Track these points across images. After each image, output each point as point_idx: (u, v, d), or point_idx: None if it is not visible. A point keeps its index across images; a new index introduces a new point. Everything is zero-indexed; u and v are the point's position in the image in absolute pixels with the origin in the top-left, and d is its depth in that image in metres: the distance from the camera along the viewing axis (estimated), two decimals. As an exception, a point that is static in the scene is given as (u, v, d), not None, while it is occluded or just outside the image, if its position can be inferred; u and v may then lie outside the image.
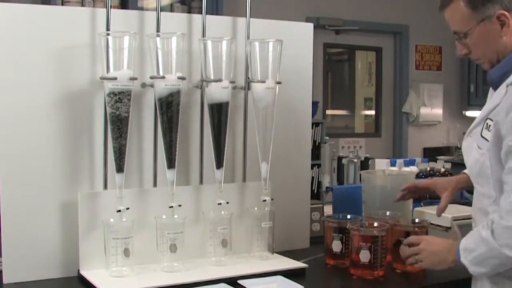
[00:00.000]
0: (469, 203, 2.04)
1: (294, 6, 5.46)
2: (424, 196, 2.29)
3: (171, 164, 1.91)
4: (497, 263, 1.63)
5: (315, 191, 3.58)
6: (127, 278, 1.84)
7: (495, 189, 1.66)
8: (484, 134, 1.68)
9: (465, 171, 2.03)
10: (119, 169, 1.86)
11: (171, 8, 4.76)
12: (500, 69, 1.70)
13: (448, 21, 1.73)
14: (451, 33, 1.74)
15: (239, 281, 1.86)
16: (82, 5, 4.37)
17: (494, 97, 1.71)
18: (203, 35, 2.04)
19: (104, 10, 1.91)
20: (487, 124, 1.68)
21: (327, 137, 4.96)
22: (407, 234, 2.00)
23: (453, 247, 1.73)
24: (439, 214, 2.08)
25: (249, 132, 2.13)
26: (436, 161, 3.22)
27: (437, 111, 6.38)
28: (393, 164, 3.08)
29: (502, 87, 1.68)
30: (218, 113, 1.96)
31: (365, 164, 5.05)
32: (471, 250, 1.67)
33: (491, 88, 1.78)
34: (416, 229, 2.04)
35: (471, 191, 1.91)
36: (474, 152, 1.71)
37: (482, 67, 1.76)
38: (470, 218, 1.88)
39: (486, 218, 1.68)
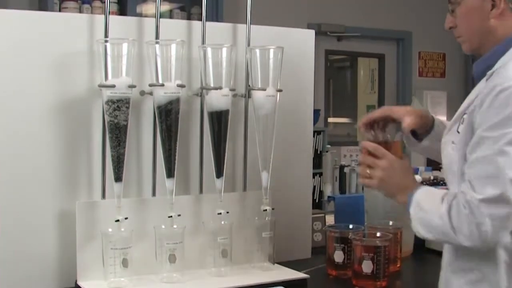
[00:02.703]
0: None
1: (295, 12, 5.47)
2: (385, 125, 1.92)
3: (170, 173, 1.92)
4: (443, 238, 1.57)
5: (317, 201, 3.57)
6: (126, 289, 1.85)
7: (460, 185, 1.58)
8: (460, 129, 1.61)
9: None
10: (118, 178, 1.86)
11: (170, 15, 4.78)
12: (484, 62, 1.64)
13: None
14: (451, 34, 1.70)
15: (240, 292, 1.86)
16: (80, 11, 4.40)
17: (472, 92, 1.66)
18: (203, 42, 2.05)
19: (102, 16, 1.91)
20: (463, 119, 1.61)
21: (329, 146, 4.95)
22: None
23: (409, 189, 1.63)
24: (406, 132, 1.81)
25: (250, 140, 2.13)
26: (440, 170, 3.21)
27: (441, 119, 6.38)
28: (396, 173, 3.07)
29: (482, 81, 1.63)
30: (218, 121, 1.97)
31: (367, 173, 5.03)
32: (423, 210, 1.58)
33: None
34: (388, 143, 1.78)
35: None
36: (449, 147, 1.64)
37: (462, 48, 1.69)
38: None
39: None
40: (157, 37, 1.97)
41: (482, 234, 1.46)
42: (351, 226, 2.18)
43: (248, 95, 2.12)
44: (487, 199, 1.45)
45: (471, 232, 1.47)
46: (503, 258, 1.53)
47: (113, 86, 1.81)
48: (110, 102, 1.82)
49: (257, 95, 2.02)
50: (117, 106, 1.82)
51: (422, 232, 1.59)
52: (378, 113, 1.83)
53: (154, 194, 2.01)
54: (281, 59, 2.02)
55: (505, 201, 1.45)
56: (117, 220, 1.84)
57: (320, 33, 5.51)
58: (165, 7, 4.78)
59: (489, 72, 1.59)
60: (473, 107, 1.56)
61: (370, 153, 1.70)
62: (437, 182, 3.01)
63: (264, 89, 2.00)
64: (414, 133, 1.87)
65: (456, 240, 1.51)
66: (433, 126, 1.86)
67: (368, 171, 1.69)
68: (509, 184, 1.44)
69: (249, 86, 2.10)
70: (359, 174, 1.73)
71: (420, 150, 1.94)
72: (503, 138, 1.45)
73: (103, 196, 1.93)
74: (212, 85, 1.95)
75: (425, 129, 1.84)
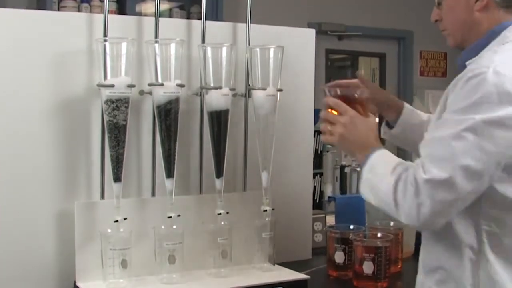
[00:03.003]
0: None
1: (295, 11, 5.47)
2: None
3: (170, 173, 1.92)
4: (384, 208, 1.54)
5: (317, 201, 3.57)
6: (125, 290, 1.85)
7: None
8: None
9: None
10: (117, 178, 1.86)
11: (169, 14, 4.78)
12: (466, 55, 1.61)
13: None
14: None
15: (240, 293, 1.86)
16: (79, 10, 4.40)
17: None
18: (203, 41, 2.05)
19: (101, 15, 1.91)
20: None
21: (330, 146, 4.95)
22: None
23: (367, 150, 1.60)
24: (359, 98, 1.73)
25: (250, 140, 2.13)
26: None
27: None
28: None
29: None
30: (218, 121, 1.97)
31: (368, 173, 5.04)
32: (374, 174, 1.56)
33: None
34: (352, 100, 1.70)
35: None
36: None
37: (447, 42, 1.67)
38: None
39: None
40: (156, 36, 1.97)
41: (420, 215, 1.43)
42: (351, 227, 2.18)
43: (248, 94, 2.12)
44: (433, 180, 1.42)
45: (410, 210, 1.45)
46: (468, 255, 1.51)
47: (112, 85, 1.81)
48: (109, 101, 1.82)
49: (257, 94, 2.02)
50: (116, 106, 1.82)
51: (367, 195, 1.59)
52: (345, 81, 1.83)
53: (153, 194, 2.01)
54: (282, 58, 2.02)
55: (451, 187, 1.41)
56: (116, 221, 1.84)
57: (321, 32, 5.51)
58: (165, 6, 4.78)
59: (467, 62, 1.57)
60: (447, 92, 1.54)
61: (333, 109, 1.67)
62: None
63: (264, 89, 2.00)
64: (386, 122, 1.90)
65: (395, 213, 1.49)
66: (401, 113, 1.87)
67: (329, 127, 1.66)
68: (458, 170, 1.41)
69: (249, 85, 2.10)
70: (321, 128, 1.69)
71: (392, 138, 1.94)
72: (464, 123, 1.42)
73: (102, 196, 1.93)
74: (212, 84, 1.95)
75: (392, 114, 1.84)
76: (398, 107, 1.92)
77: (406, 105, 1.95)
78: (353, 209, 2.51)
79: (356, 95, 1.69)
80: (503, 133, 1.41)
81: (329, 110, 1.66)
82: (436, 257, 1.58)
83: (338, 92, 1.70)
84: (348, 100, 1.67)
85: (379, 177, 1.54)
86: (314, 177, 3.48)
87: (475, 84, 1.43)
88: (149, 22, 2.01)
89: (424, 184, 1.42)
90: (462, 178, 1.41)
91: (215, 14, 4.62)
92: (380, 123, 1.96)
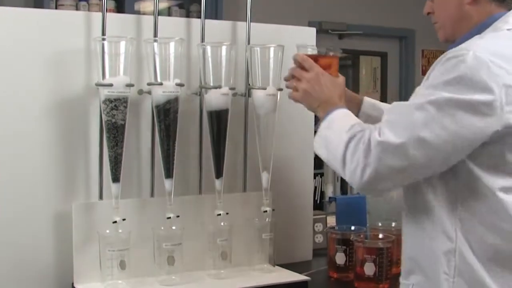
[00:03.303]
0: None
1: (295, 10, 5.47)
2: None
3: (169, 174, 1.91)
4: (332, 163, 1.55)
5: (318, 201, 3.56)
6: (123, 292, 1.84)
7: None
8: None
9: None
10: (115, 178, 1.86)
11: (168, 12, 4.77)
12: (455, 46, 1.57)
13: None
14: None
15: (239, 295, 1.86)
16: (77, 8, 4.39)
17: None
18: (202, 40, 2.05)
19: (100, 14, 1.91)
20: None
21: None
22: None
23: (329, 107, 1.62)
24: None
25: (250, 140, 2.13)
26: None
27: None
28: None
29: None
30: (218, 120, 1.96)
31: (369, 173, 5.04)
32: (330, 128, 1.58)
33: None
34: (320, 57, 1.76)
35: None
36: None
37: (438, 35, 1.68)
38: None
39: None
40: (155, 35, 1.97)
41: (364, 175, 1.44)
42: (353, 228, 2.17)
43: (248, 94, 2.12)
44: (385, 143, 1.42)
45: (355, 168, 1.45)
46: (443, 244, 1.50)
47: (111, 85, 1.81)
48: (108, 101, 1.82)
49: (257, 94, 2.02)
50: (115, 106, 1.82)
51: (319, 150, 1.60)
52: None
53: (152, 195, 2.01)
54: (282, 57, 2.01)
55: (402, 154, 1.41)
56: (115, 222, 1.84)
57: (321, 31, 5.51)
58: (164, 4, 4.78)
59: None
60: (429, 70, 1.54)
61: (300, 66, 1.70)
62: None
63: (265, 88, 2.00)
64: None
65: (341, 170, 1.50)
66: (361, 106, 1.89)
67: (295, 83, 1.69)
68: (413, 139, 1.41)
69: (249, 85, 2.10)
70: (287, 84, 1.73)
71: None
72: (430, 97, 1.42)
73: (101, 197, 1.93)
74: (211, 84, 1.95)
75: (353, 109, 1.81)
76: (358, 101, 1.92)
77: (367, 98, 1.95)
78: (354, 209, 2.51)
79: (326, 54, 1.72)
80: (467, 117, 1.40)
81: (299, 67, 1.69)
82: (409, 264, 1.60)
83: (309, 50, 1.70)
84: (318, 59, 1.71)
85: (335, 133, 1.55)
86: (314, 178, 3.48)
87: (453, 64, 1.43)
88: (148, 20, 2.00)
89: (376, 145, 1.43)
90: (415, 148, 1.41)
91: (214, 13, 4.62)
92: None
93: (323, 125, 1.60)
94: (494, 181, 1.45)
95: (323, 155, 1.59)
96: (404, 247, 1.64)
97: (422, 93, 1.47)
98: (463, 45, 1.48)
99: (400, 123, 1.44)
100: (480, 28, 1.57)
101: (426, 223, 1.53)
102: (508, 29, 1.53)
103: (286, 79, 1.79)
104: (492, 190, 1.45)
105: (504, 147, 1.44)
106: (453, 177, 1.48)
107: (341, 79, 1.73)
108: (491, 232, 1.46)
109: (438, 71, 1.46)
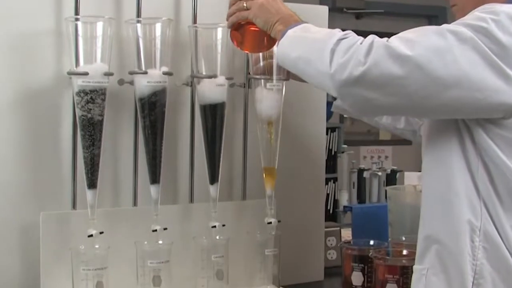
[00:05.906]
0: None
1: (305, -15, 5.48)
2: None
3: (154, 179, 1.92)
4: (310, 57, 1.58)
5: (331, 211, 3.59)
6: (101, 318, 1.85)
7: None
8: None
9: None
10: (91, 184, 1.86)
11: (155, -12, 4.78)
12: None
13: None
14: None
15: (238, 322, 1.87)
16: (47, -17, 4.39)
17: None
18: (194, 21, 2.05)
19: (73, -10, 1.92)
20: None
21: (345, 145, 4.96)
22: None
23: (292, 20, 1.73)
24: None
25: (250, 139, 2.14)
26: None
27: None
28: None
29: None
30: (212, 116, 1.97)
31: (391, 178, 5.06)
32: (308, 31, 1.66)
33: None
34: None
35: None
36: None
37: (455, 18, 1.72)
38: None
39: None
40: (138, 15, 1.97)
41: (354, 70, 1.47)
42: (372, 242, 2.18)
43: (248, 85, 2.12)
44: (392, 48, 1.47)
45: (346, 62, 1.48)
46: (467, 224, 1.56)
47: (86, 73, 1.81)
48: (82, 93, 1.82)
49: (259, 85, 2.02)
50: (91, 98, 1.82)
51: (287, 47, 1.65)
52: None
53: (135, 203, 2.01)
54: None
55: (404, 64, 1.46)
56: (91, 235, 1.84)
57: (335, 10, 5.52)
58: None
59: None
60: None
61: None
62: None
63: (268, 78, 2.00)
64: None
65: (321, 64, 1.53)
66: None
67: (245, 4, 1.79)
68: (419, 58, 1.46)
69: (249, 74, 2.11)
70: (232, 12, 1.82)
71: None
72: (454, 27, 1.49)
73: (74, 206, 1.93)
74: (204, 73, 1.96)
75: None
76: None
77: None
78: (373, 221, 2.52)
79: None
80: (487, 71, 1.47)
81: None
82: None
83: None
84: None
85: (318, 33, 1.63)
86: (326, 183, 3.48)
87: (486, 10, 1.52)
88: (130, -2, 2.01)
89: (381, 47, 1.48)
90: (419, 68, 1.46)
91: (209, -12, 4.62)
92: None
93: (293, 30, 1.66)
94: None
95: (293, 54, 1.63)
96: (421, 226, 1.68)
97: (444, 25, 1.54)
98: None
99: (412, 38, 1.50)
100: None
101: (448, 194, 1.59)
102: None
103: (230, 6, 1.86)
104: None
105: None
106: (479, 158, 1.55)
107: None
108: None
109: (469, 15, 1.54)
